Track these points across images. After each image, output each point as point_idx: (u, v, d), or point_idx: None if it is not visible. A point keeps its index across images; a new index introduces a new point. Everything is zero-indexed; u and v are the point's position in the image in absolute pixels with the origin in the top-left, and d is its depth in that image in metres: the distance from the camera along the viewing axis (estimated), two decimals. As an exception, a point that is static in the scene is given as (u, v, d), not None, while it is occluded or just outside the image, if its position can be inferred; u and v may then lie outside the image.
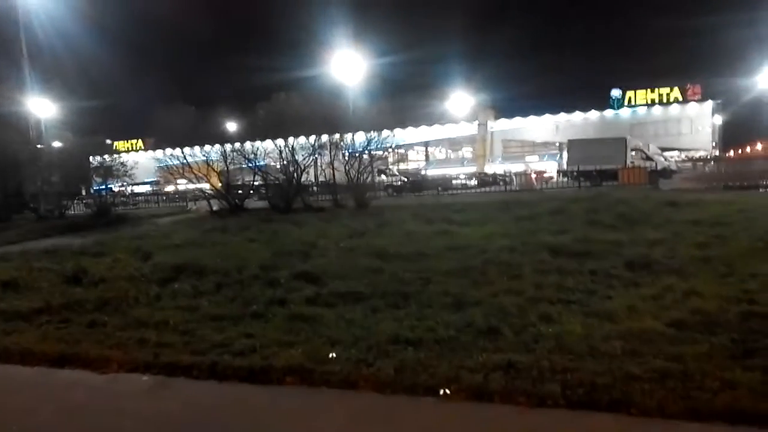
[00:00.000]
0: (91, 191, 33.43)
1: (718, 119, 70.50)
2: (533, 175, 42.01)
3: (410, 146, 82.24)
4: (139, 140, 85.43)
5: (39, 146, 33.46)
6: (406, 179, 44.03)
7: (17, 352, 5.99)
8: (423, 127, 79.79)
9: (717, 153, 65.77)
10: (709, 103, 67.89)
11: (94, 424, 4.44)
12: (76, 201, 31.78)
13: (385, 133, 28.67)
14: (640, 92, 70.51)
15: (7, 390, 5.26)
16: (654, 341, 5.05)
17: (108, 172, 29.00)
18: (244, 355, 5.39)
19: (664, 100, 69.61)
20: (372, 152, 27.62)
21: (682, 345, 4.92)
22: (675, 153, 63.32)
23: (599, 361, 4.68)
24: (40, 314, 7.41)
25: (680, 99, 68.77)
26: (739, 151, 76.26)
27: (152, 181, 65.46)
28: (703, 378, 4.23)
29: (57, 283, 9.26)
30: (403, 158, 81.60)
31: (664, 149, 51.98)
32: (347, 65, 51.39)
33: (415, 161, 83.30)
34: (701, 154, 62.69)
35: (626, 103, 71.24)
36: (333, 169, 27.08)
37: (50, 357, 5.77)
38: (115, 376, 5.30)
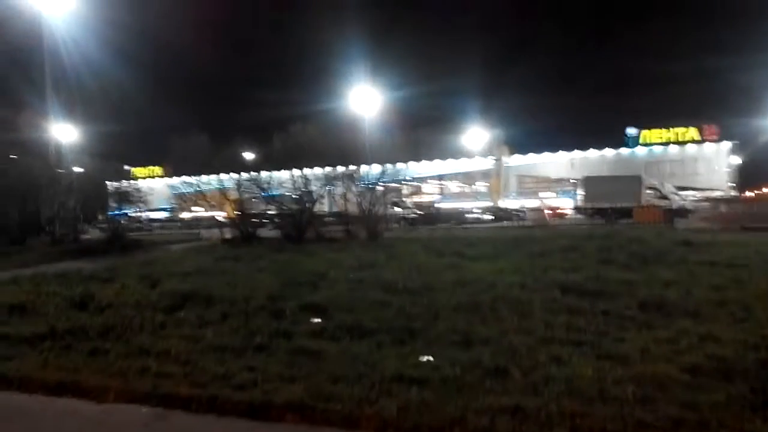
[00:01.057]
0: (107, 216, 33.73)
1: (735, 159, 69.96)
2: (547, 212, 41.83)
3: (424, 179, 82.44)
4: (158, 167, 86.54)
5: (59, 170, 33.89)
6: (419, 212, 44.05)
7: (16, 379, 5.90)
8: (437, 161, 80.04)
9: (733, 193, 65.12)
10: (726, 144, 67.53)
11: (87, 457, 4.32)
12: (91, 226, 32.05)
13: (400, 165, 28.86)
14: (656, 131, 70.38)
15: (5, 417, 5.15)
16: (668, 387, 4.86)
17: (124, 198, 29.30)
18: (245, 389, 5.26)
19: (680, 140, 69.40)
20: (386, 184, 27.68)
21: (697, 392, 4.73)
22: (691, 192, 62.92)
23: (610, 406, 4.51)
24: (44, 340, 7.33)
25: (697, 139, 68.53)
26: (756, 191, 75.53)
27: (168, 208, 66.07)
28: (719, 428, 4.05)
29: (63, 308, 9.20)
30: (417, 191, 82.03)
31: (679, 188, 51.65)
32: (363, 98, 51.82)
33: (429, 194, 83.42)
34: (718, 194, 62.15)
35: (642, 141, 71.08)
36: (346, 200, 27.16)
37: (49, 385, 5.66)
38: (112, 406, 5.18)
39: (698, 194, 62.73)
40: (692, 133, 68.77)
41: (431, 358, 5.79)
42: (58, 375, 5.87)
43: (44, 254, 20.98)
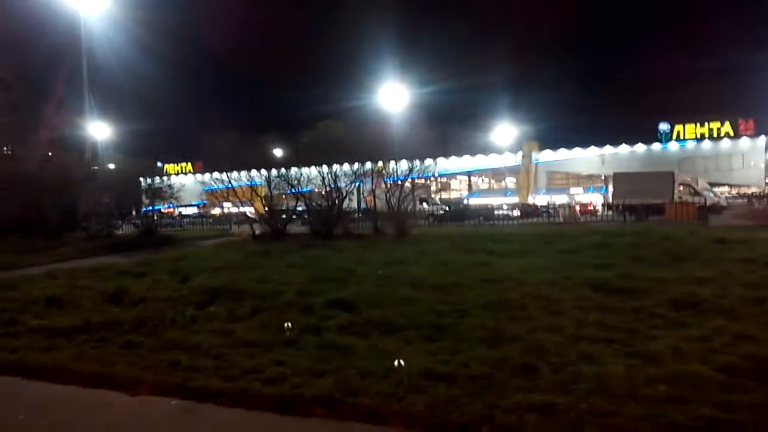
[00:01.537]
0: (140, 212, 34.35)
1: (773, 155, 68.21)
2: (578, 208, 41.31)
3: (453, 175, 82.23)
4: (189, 163, 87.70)
5: (93, 167, 34.62)
6: (447, 208, 43.91)
7: (54, 370, 6.07)
8: (466, 157, 79.68)
9: (771, 189, 63.53)
10: (763, 139, 65.90)
11: (121, 447, 4.41)
12: (125, 221, 32.69)
13: (428, 161, 28.72)
14: (689, 126, 69.03)
15: (42, 408, 5.30)
16: (701, 387, 4.76)
17: (156, 194, 29.80)
18: (275, 383, 5.32)
19: (715, 135, 67.95)
20: (414, 180, 27.63)
21: (732, 392, 4.63)
22: (725, 189, 61.54)
23: (641, 405, 4.43)
24: (80, 332, 7.54)
25: (732, 134, 67.01)
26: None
27: (199, 204, 66.98)
28: (756, 430, 3.95)
29: (98, 302, 9.44)
30: (445, 187, 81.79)
31: (713, 185, 50.58)
32: (392, 95, 51.84)
33: (458, 190, 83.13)
34: (753, 190, 60.67)
35: (674, 137, 69.81)
36: (374, 196, 27.19)
37: (84, 376, 5.82)
38: (145, 398, 5.30)
39: (733, 191, 61.50)
40: (727, 128, 67.29)
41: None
42: (93, 367, 6.02)
43: (79, 249, 21.48)
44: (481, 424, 4.31)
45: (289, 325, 7.26)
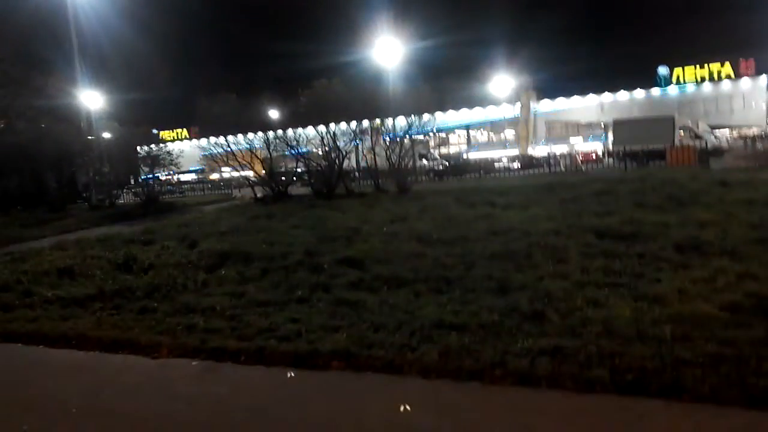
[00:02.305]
0: (139, 180, 34.28)
1: (773, 94, 67.53)
2: (580, 156, 41.18)
3: (451, 130, 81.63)
4: (184, 129, 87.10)
5: (90, 138, 34.41)
6: (447, 163, 43.81)
7: (74, 337, 6.23)
8: (464, 110, 78.95)
9: (772, 130, 63.14)
10: (764, 78, 65.12)
11: (149, 406, 4.57)
12: (125, 190, 32.68)
13: (426, 116, 28.52)
14: (689, 69, 68.11)
15: (68, 373, 5.48)
16: (706, 325, 4.89)
17: (155, 162, 29.71)
18: (290, 340, 5.46)
19: (715, 77, 67.11)
20: (413, 137, 27.52)
21: (736, 329, 4.76)
22: (726, 131, 61.13)
23: (649, 345, 4.56)
24: (94, 301, 7.68)
25: (732, 75, 66.20)
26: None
27: (197, 170, 66.71)
28: (759, 363, 4.08)
29: (109, 271, 9.56)
30: (444, 142, 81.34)
31: (714, 127, 50.26)
32: (387, 50, 51.04)
33: (457, 145, 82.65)
34: (755, 131, 60.32)
35: (674, 81, 68.95)
36: (374, 154, 27.11)
37: (104, 342, 5.98)
38: (165, 361, 5.45)
39: (735, 132, 61.14)
40: (727, 69, 66.38)
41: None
42: (112, 333, 6.18)
43: (83, 220, 21.60)
44: (493, 369, 4.45)
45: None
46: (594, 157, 42.89)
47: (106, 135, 37.72)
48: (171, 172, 38.25)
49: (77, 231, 17.80)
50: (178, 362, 5.41)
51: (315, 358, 5.04)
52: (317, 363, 4.99)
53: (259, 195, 25.56)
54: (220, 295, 7.44)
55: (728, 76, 66.38)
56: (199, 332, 5.98)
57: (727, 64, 66.07)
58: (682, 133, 35.83)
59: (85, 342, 6.08)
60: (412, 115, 26.86)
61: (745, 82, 65.66)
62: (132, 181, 35.56)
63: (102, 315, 7.00)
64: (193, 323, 6.27)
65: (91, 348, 5.94)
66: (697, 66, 67.69)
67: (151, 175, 30.90)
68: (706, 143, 34.53)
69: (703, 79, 67.61)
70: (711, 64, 66.84)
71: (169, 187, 42.06)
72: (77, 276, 9.37)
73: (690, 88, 68.28)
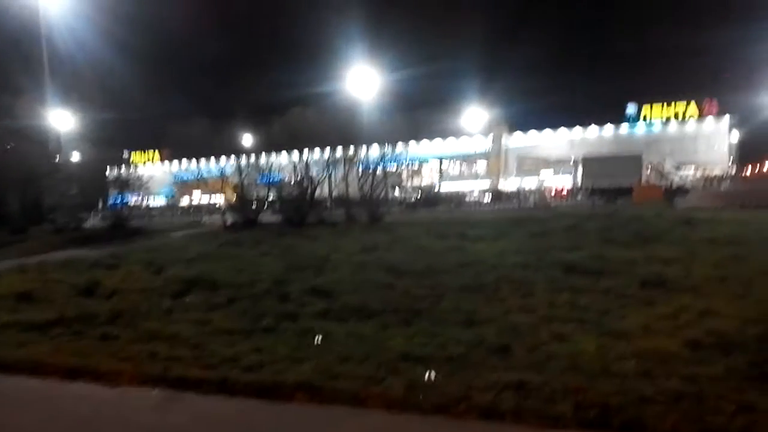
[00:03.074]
0: (108, 203, 33.78)
1: (735, 135, 69.76)
2: (553, 192, 41.89)
3: (424, 161, 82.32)
4: (156, 151, 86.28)
5: (57, 158, 33.90)
6: (419, 194, 44.10)
7: (30, 364, 6.01)
8: (437, 140, 79.84)
9: (734, 170, 65.04)
10: (726, 119, 67.33)
11: (103, 438, 4.44)
12: (92, 213, 32.15)
13: (399, 146, 28.80)
14: (656, 107, 70.15)
15: (20, 403, 5.27)
16: (668, 362, 4.96)
17: (124, 185, 29.35)
18: (254, 370, 5.37)
19: (681, 116, 69.18)
20: (386, 167, 27.71)
21: (697, 366, 4.83)
22: (691, 170, 62.78)
23: (612, 381, 4.60)
24: (54, 326, 7.44)
25: (696, 115, 68.29)
26: (757, 167, 75.17)
27: (167, 194, 65.98)
28: (718, 401, 4.15)
29: (71, 295, 9.33)
30: (416, 173, 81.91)
31: (679, 166, 51.61)
32: (362, 80, 51.61)
33: (429, 176, 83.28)
34: (717, 171, 62.09)
35: (642, 118, 70.90)
36: (347, 183, 27.21)
37: (62, 369, 5.77)
38: (125, 389, 5.30)
39: (698, 172, 62.81)
40: (693, 108, 68.54)
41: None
42: (71, 360, 5.98)
43: (47, 243, 21.11)
44: (458, 403, 4.43)
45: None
46: (565, 194, 43.65)
47: (76, 156, 37.21)
48: (140, 196, 37.77)
49: (40, 254, 17.35)
50: (139, 391, 5.26)
51: (279, 389, 4.95)
52: (281, 394, 4.90)
53: (229, 222, 25.36)
54: (184, 322, 7.29)
55: (692, 116, 68.44)
56: (161, 360, 5.83)
57: (693, 103, 68.24)
58: (649, 172, 36.71)
59: (42, 369, 5.86)
60: (386, 145, 27.11)
61: (709, 123, 67.81)
62: (100, 205, 35.01)
63: (61, 341, 6.79)
64: (156, 351, 6.11)
65: (48, 375, 5.74)
66: (665, 104, 69.79)
67: (120, 199, 30.49)
68: (672, 182, 35.42)
69: (669, 119, 69.60)
70: (677, 103, 68.95)
71: (137, 211, 41.51)
72: (37, 300, 9.11)
73: (657, 126, 70.20)
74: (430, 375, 4.93)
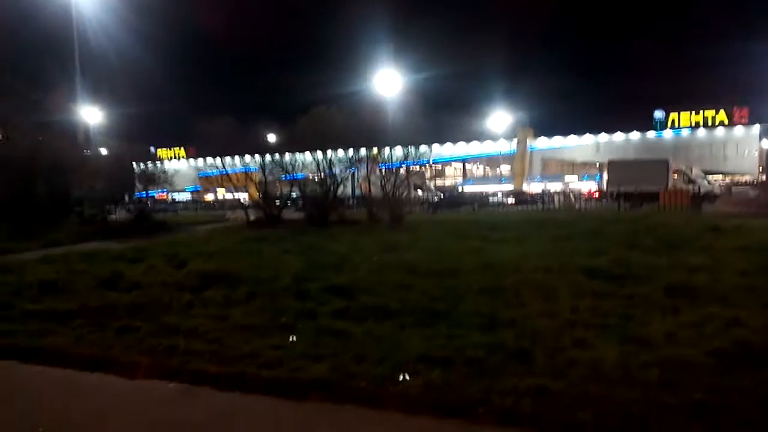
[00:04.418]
0: (134, 197, 34.22)
1: (766, 143, 68.42)
2: (585, 194, 41.55)
3: (448, 162, 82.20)
4: (181, 148, 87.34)
5: (86, 152, 34.44)
6: (442, 195, 43.96)
7: (51, 353, 6.09)
8: (461, 143, 79.65)
9: (764, 177, 63.79)
10: (757, 127, 66.09)
11: (118, 430, 4.45)
12: (118, 206, 32.58)
13: (423, 148, 28.70)
14: (684, 114, 69.13)
15: (40, 390, 5.33)
16: (693, 371, 4.82)
17: (150, 180, 29.70)
18: (271, 366, 5.35)
19: (709, 123, 68.10)
20: (409, 167, 27.65)
21: (723, 377, 4.69)
22: (719, 177, 61.77)
23: (634, 389, 4.49)
24: (76, 317, 7.53)
25: (726, 122, 67.14)
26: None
27: (193, 189, 66.75)
28: (744, 414, 4.01)
29: (94, 287, 9.43)
30: (440, 174, 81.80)
31: (708, 173, 50.74)
32: (387, 81, 51.63)
33: (452, 177, 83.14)
34: (747, 178, 60.92)
35: (670, 125, 69.92)
36: (369, 183, 27.19)
37: (82, 360, 5.84)
38: (142, 382, 5.33)
39: (727, 179, 61.74)
40: (722, 116, 67.43)
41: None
42: (90, 351, 6.04)
43: (74, 234, 21.41)
44: (477, 406, 4.36)
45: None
46: (597, 195, 43.26)
47: (103, 150, 37.75)
48: (165, 190, 38.23)
49: (66, 245, 17.62)
50: (156, 384, 5.28)
51: (295, 386, 4.93)
52: (297, 392, 4.88)
53: (252, 218, 25.51)
54: (204, 317, 7.33)
55: (722, 123, 67.33)
56: (179, 354, 5.85)
57: (722, 111, 67.18)
58: (676, 177, 36.13)
59: (63, 359, 5.93)
60: (409, 146, 27.04)
61: (739, 129, 66.68)
62: (126, 198, 35.48)
63: (82, 331, 6.86)
64: (175, 344, 6.14)
65: (68, 365, 5.80)
66: (693, 112, 68.74)
67: (145, 193, 30.86)
68: (699, 188, 34.81)
69: (697, 125, 68.55)
70: (706, 111, 67.93)
71: (162, 205, 42.01)
72: (61, 290, 9.23)
73: (685, 132, 69.22)
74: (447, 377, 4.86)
